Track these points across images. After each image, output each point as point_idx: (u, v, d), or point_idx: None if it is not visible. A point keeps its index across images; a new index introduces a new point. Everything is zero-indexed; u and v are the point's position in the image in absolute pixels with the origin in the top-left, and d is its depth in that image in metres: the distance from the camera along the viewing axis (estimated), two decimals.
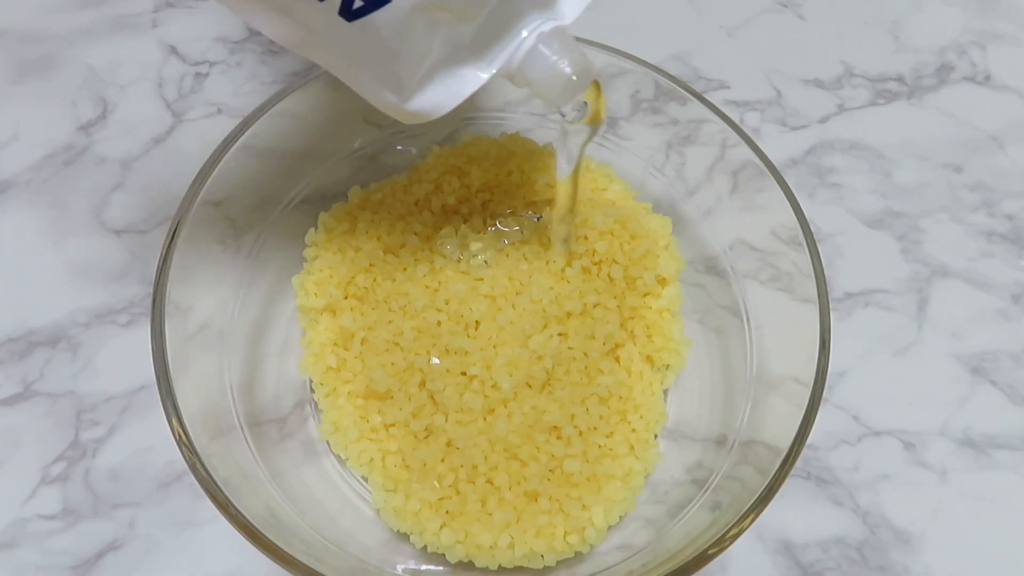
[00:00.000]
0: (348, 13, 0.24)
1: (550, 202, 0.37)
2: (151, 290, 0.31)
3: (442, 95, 0.28)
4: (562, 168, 0.32)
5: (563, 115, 0.30)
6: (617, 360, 0.35)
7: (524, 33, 0.27)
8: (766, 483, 0.28)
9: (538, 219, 0.37)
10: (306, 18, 0.25)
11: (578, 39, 0.35)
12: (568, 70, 0.27)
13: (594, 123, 0.30)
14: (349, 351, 0.34)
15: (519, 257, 0.36)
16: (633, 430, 0.34)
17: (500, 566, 0.32)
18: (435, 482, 0.32)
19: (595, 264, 0.36)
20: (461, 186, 0.37)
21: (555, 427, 0.33)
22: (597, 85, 0.29)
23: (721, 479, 0.32)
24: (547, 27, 0.27)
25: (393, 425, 0.33)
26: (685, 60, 0.47)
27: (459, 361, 0.34)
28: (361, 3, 0.24)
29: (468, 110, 0.40)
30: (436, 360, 0.34)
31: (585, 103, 0.29)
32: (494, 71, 0.28)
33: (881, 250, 0.42)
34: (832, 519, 0.36)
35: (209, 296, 0.33)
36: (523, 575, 0.32)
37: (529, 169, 0.38)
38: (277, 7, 0.25)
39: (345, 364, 0.34)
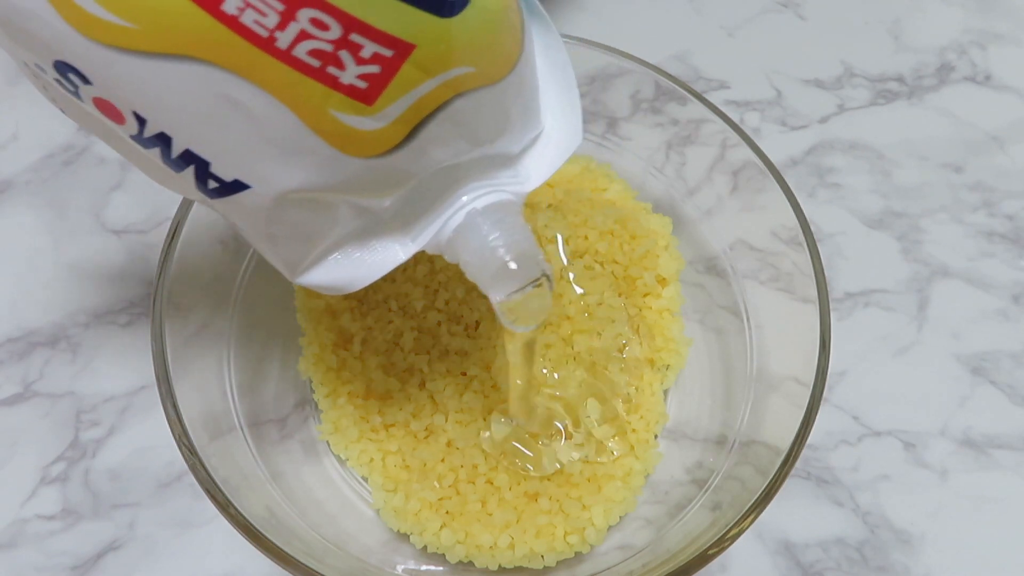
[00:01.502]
0: (207, 191, 0.20)
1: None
2: (151, 290, 0.31)
3: (347, 271, 0.23)
4: (511, 352, 0.27)
5: (496, 304, 0.24)
6: (620, 360, 0.35)
7: (462, 200, 0.22)
8: (766, 483, 0.28)
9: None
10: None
11: (579, 39, 0.35)
12: (502, 253, 0.22)
13: (525, 323, 0.24)
14: (349, 351, 0.34)
15: None
16: (633, 430, 0.34)
17: (500, 566, 0.32)
18: (435, 482, 0.32)
19: (597, 263, 0.36)
20: None
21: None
22: (547, 280, 0.23)
23: (721, 479, 0.32)
24: (486, 200, 0.22)
25: (393, 425, 0.33)
26: (685, 60, 0.47)
27: (459, 361, 0.34)
28: (216, 185, 0.20)
29: None
30: (436, 360, 0.34)
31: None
32: (416, 248, 0.23)
33: (881, 250, 0.42)
34: (832, 519, 0.36)
35: (209, 296, 0.33)
36: (523, 575, 0.32)
37: None
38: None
39: (345, 364, 0.34)
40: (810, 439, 0.29)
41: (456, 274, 0.35)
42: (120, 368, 0.38)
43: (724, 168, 0.35)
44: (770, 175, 0.33)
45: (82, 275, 0.40)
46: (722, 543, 0.27)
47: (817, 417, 0.29)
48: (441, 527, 0.32)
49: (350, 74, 0.18)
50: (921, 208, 0.43)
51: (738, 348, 0.35)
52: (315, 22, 0.17)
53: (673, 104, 0.36)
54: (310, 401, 0.36)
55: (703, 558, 0.27)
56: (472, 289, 0.35)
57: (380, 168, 0.20)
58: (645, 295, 0.36)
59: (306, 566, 0.26)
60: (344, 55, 0.17)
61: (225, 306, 0.34)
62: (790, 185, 0.33)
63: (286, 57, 0.17)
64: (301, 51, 0.17)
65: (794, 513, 0.36)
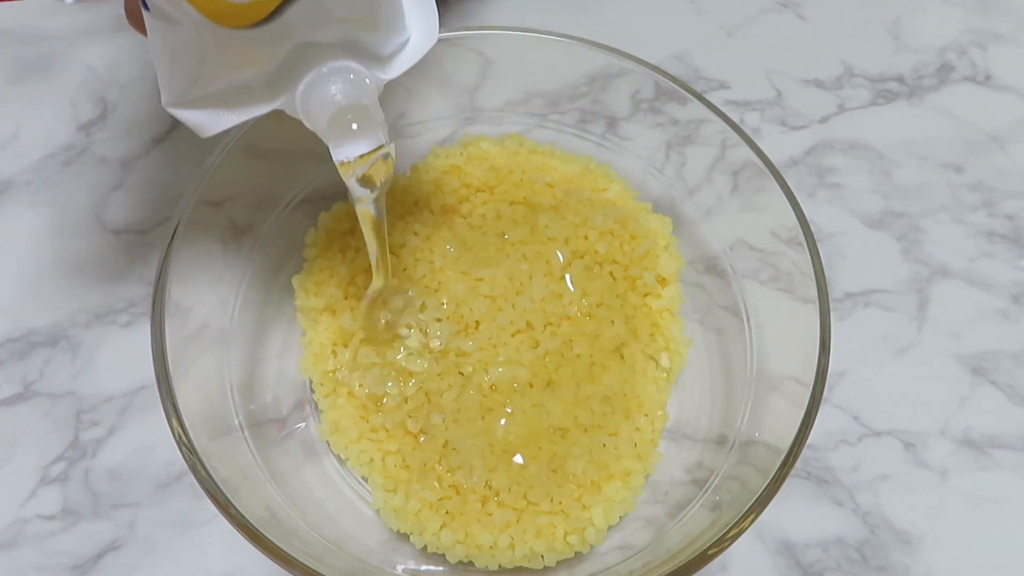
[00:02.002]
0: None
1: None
2: (151, 290, 0.31)
3: (210, 121, 0.26)
4: (362, 214, 0.29)
5: (344, 172, 0.27)
6: (622, 358, 0.35)
7: (321, 67, 0.25)
8: (766, 483, 0.28)
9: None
10: None
11: (579, 39, 0.35)
12: (339, 98, 0.25)
13: (367, 185, 0.27)
14: (349, 351, 0.34)
15: (519, 257, 0.36)
16: (637, 429, 0.34)
17: (500, 566, 0.32)
18: (435, 482, 0.32)
19: (596, 264, 0.36)
20: (461, 185, 0.37)
21: (558, 427, 0.33)
22: (389, 155, 0.26)
23: (721, 479, 0.32)
24: (341, 63, 0.25)
25: (392, 425, 0.33)
26: (685, 60, 0.47)
27: (458, 361, 0.34)
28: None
29: (468, 110, 0.40)
30: (435, 360, 0.34)
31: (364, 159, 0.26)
32: (275, 106, 0.26)
33: (881, 250, 0.42)
34: (832, 519, 0.36)
35: (209, 296, 0.33)
36: (523, 575, 0.32)
37: (529, 168, 0.38)
38: None
39: (345, 364, 0.34)
40: (810, 439, 0.29)
41: (455, 274, 0.35)
42: (120, 368, 0.38)
43: (724, 168, 0.35)
44: (770, 175, 0.33)
45: (82, 275, 0.40)
46: (722, 543, 0.27)
47: (817, 417, 0.29)
48: (441, 527, 0.32)
49: None
50: (921, 208, 0.43)
51: (738, 348, 0.35)
52: None
53: (673, 104, 0.36)
54: (310, 401, 0.36)
55: (703, 558, 0.27)
56: (472, 289, 0.35)
57: (249, 39, 0.23)
58: (645, 295, 0.36)
59: (306, 566, 0.26)
60: None
61: (225, 306, 0.34)
62: (790, 185, 0.33)
63: None
64: None
65: (794, 513, 0.36)
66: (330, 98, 0.25)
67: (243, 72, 0.25)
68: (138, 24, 0.25)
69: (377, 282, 0.32)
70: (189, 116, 0.26)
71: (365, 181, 0.27)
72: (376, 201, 0.29)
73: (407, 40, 0.27)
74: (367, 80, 0.26)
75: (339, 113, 0.25)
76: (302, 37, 0.25)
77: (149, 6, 0.23)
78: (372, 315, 0.34)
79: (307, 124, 0.26)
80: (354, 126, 0.26)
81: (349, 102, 0.25)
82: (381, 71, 0.26)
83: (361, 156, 0.26)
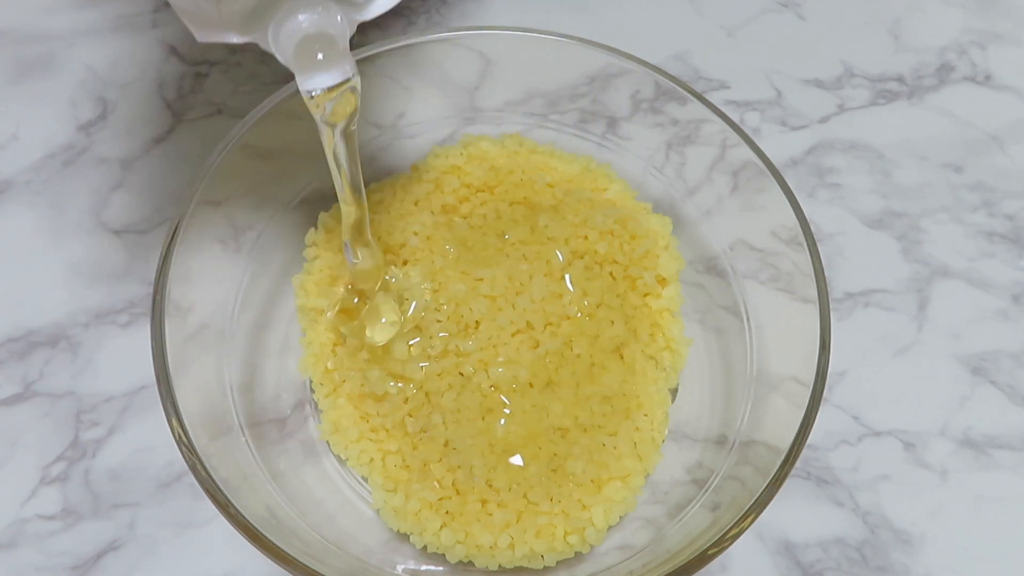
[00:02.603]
0: None
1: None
2: (151, 290, 0.31)
3: (197, 23, 0.26)
4: (329, 154, 0.29)
5: (311, 104, 0.27)
6: (621, 359, 0.35)
7: (296, 3, 0.26)
8: (766, 483, 0.28)
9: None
10: None
11: (579, 39, 0.36)
12: (306, 26, 0.25)
13: (334, 119, 0.27)
14: (348, 351, 0.34)
15: (519, 257, 0.36)
16: (637, 429, 0.34)
17: (500, 566, 0.32)
18: (435, 482, 0.32)
19: (596, 264, 0.36)
20: (461, 185, 0.37)
21: (558, 427, 0.33)
22: (338, 52, 0.26)
23: (721, 479, 0.32)
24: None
25: (392, 425, 0.33)
26: (685, 60, 0.47)
27: (458, 361, 0.34)
28: None
29: (468, 110, 0.40)
30: (435, 360, 0.34)
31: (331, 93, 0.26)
32: (252, 35, 0.27)
33: (881, 250, 0.42)
34: (832, 519, 0.36)
35: (209, 296, 0.33)
36: (523, 575, 0.32)
37: (529, 168, 0.38)
38: None
39: (344, 364, 0.34)
40: (810, 439, 0.29)
41: (455, 274, 0.35)
42: (120, 368, 0.38)
43: (724, 168, 0.35)
44: (770, 175, 0.33)
45: (82, 275, 0.40)
46: (722, 543, 0.27)
47: (817, 417, 0.29)
48: (441, 527, 0.32)
49: None
50: (921, 208, 0.43)
51: (738, 348, 0.35)
52: None
53: (673, 104, 0.36)
54: (310, 401, 0.36)
55: (703, 558, 0.27)
56: (472, 290, 0.35)
57: None
58: (645, 295, 0.36)
59: (306, 566, 0.26)
60: None
61: (225, 306, 0.34)
62: (790, 185, 0.33)
63: None
64: None
65: (794, 513, 0.36)
66: (297, 26, 0.25)
67: (235, 5, 0.26)
68: None
69: (347, 217, 0.31)
70: (185, 17, 0.26)
71: (332, 115, 0.27)
72: (345, 132, 0.28)
73: None
74: (337, 16, 0.26)
75: (305, 41, 0.26)
76: None
77: None
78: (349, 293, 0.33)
79: (278, 56, 0.27)
80: (320, 56, 0.26)
81: (315, 31, 0.25)
82: (356, 12, 0.27)
83: (328, 89, 0.26)
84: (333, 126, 0.28)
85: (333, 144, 0.29)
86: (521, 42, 0.36)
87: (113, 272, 0.40)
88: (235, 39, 0.27)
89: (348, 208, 0.31)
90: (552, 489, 0.32)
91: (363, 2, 0.27)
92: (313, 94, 0.26)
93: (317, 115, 0.27)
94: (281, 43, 0.26)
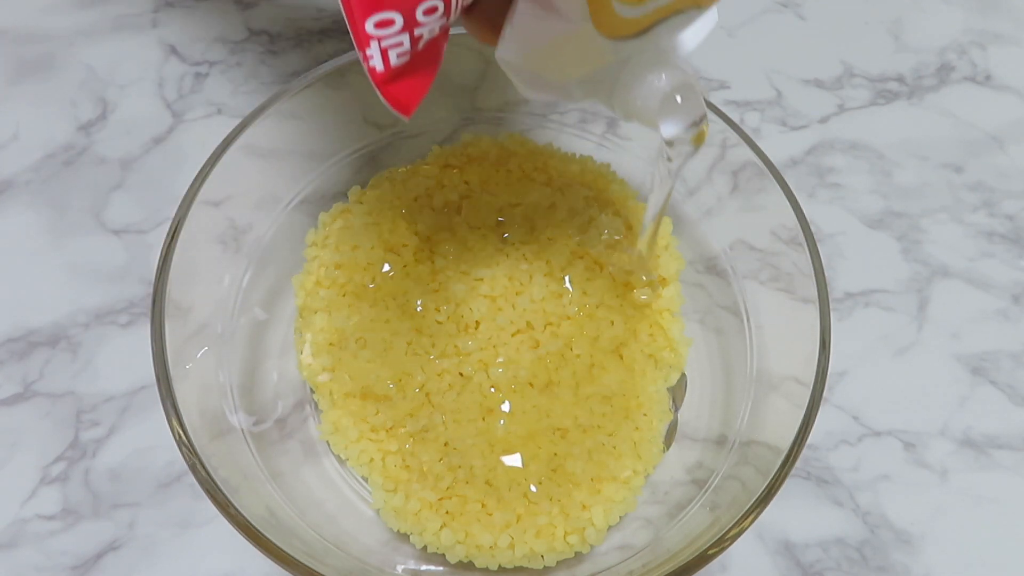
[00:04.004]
0: None
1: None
2: (151, 290, 0.31)
3: (531, 86, 0.27)
4: (659, 182, 0.31)
5: (669, 145, 0.28)
6: (621, 359, 0.35)
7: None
8: (766, 483, 0.28)
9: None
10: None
11: None
12: (663, 84, 0.26)
13: (697, 143, 0.28)
14: (347, 351, 0.34)
15: (519, 257, 0.36)
16: (636, 429, 0.34)
17: (500, 566, 0.32)
18: (435, 482, 0.32)
19: (596, 264, 0.36)
20: (462, 182, 0.37)
21: (558, 428, 0.33)
22: (697, 92, 0.27)
23: (721, 479, 0.32)
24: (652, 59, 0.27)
25: (392, 426, 0.33)
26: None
27: (458, 362, 0.34)
28: None
29: (468, 110, 0.40)
30: (435, 360, 0.34)
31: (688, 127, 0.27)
32: (593, 96, 0.28)
33: (881, 250, 0.42)
34: (832, 519, 0.36)
35: (209, 296, 0.33)
36: (523, 575, 0.32)
37: (529, 169, 0.38)
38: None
39: (344, 364, 0.34)
40: (810, 439, 0.29)
41: (456, 274, 0.35)
42: (120, 368, 0.38)
43: (724, 168, 0.35)
44: (770, 175, 0.33)
45: (82, 275, 0.40)
46: (722, 543, 0.27)
47: (817, 417, 0.29)
48: (441, 527, 0.32)
49: None
50: (921, 208, 0.43)
51: (738, 348, 0.35)
52: None
53: None
54: (310, 401, 0.36)
55: (703, 558, 0.27)
56: (472, 290, 0.35)
57: (614, 48, 0.25)
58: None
59: (306, 566, 0.26)
60: None
61: (225, 306, 0.34)
62: (790, 185, 0.33)
63: None
64: None
65: (794, 513, 0.36)
66: (658, 85, 0.26)
67: (584, 68, 0.26)
68: (484, 31, 0.26)
69: (644, 234, 0.33)
70: (517, 77, 0.27)
71: (688, 147, 0.28)
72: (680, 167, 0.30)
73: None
74: (681, 62, 0.27)
75: (668, 96, 0.26)
76: (647, 51, 0.26)
77: None
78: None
79: (621, 114, 0.28)
80: (678, 99, 0.27)
81: (674, 84, 0.26)
82: (683, 50, 0.27)
83: (688, 127, 0.27)
84: (689, 151, 0.29)
85: (667, 180, 0.30)
86: None
87: (113, 272, 0.40)
88: (570, 100, 0.28)
89: (648, 223, 0.32)
90: (552, 489, 0.32)
91: (682, 40, 0.28)
92: (675, 137, 0.27)
93: (677, 151, 0.28)
94: (641, 103, 0.27)
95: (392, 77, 0.22)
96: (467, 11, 0.25)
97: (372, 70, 0.22)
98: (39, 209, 0.41)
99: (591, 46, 0.24)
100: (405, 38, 0.22)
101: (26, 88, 0.45)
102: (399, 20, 0.21)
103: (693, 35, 0.27)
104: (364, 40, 0.21)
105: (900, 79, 0.47)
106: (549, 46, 0.25)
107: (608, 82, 0.27)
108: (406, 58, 0.22)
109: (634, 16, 0.24)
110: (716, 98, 0.46)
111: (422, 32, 0.22)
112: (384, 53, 0.22)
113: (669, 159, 0.29)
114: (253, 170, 0.34)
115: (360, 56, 0.22)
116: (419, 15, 0.22)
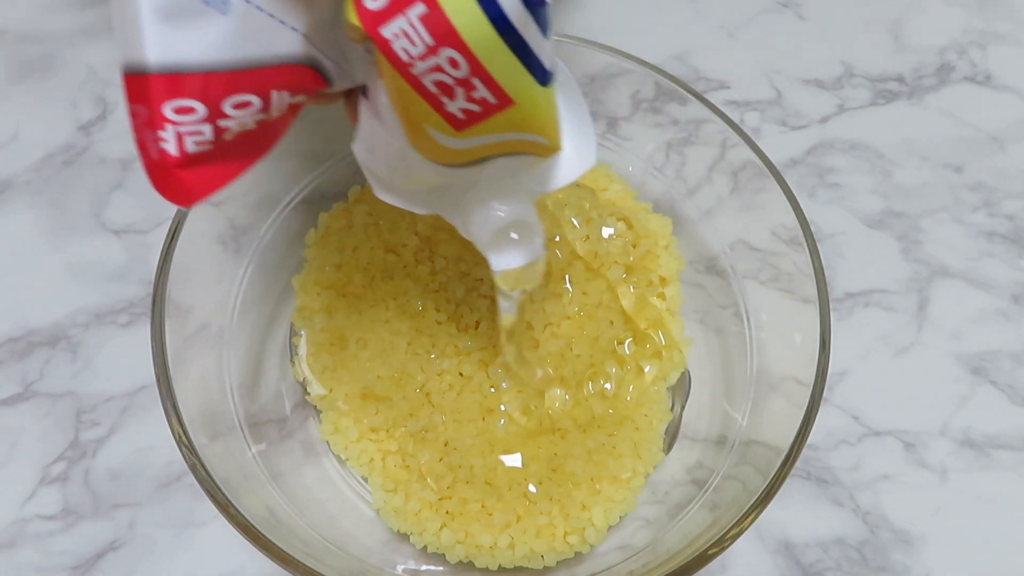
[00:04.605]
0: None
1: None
2: (151, 290, 0.31)
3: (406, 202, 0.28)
4: (504, 307, 0.31)
5: (500, 280, 0.29)
6: (620, 359, 0.35)
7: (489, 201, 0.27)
8: (766, 483, 0.28)
9: None
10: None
11: (579, 39, 0.35)
12: (503, 215, 0.26)
13: (516, 289, 0.29)
14: (347, 351, 0.34)
15: None
16: (636, 429, 0.34)
17: (500, 566, 0.32)
18: (435, 482, 0.32)
19: (595, 265, 0.36)
20: None
21: (558, 428, 0.33)
22: (534, 234, 0.28)
23: (721, 479, 0.32)
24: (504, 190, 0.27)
25: (392, 426, 0.33)
26: (685, 60, 0.47)
27: (458, 362, 0.34)
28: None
29: None
30: (435, 360, 0.34)
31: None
32: (438, 210, 0.28)
33: (881, 250, 0.42)
34: (832, 519, 0.36)
35: (209, 296, 0.33)
36: (523, 575, 0.32)
37: None
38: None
39: (343, 364, 0.34)
40: (810, 439, 0.29)
41: (455, 274, 0.35)
42: (120, 368, 0.38)
43: (724, 168, 0.35)
44: (770, 175, 0.33)
45: (82, 275, 0.40)
46: (722, 543, 0.27)
47: (817, 417, 0.29)
48: (441, 527, 0.32)
49: (455, 105, 0.22)
50: (921, 208, 0.43)
51: (738, 348, 0.35)
52: (452, 61, 0.20)
53: (673, 104, 0.36)
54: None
55: (703, 558, 0.27)
56: (472, 290, 0.35)
57: (442, 171, 0.25)
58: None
59: (306, 566, 0.26)
60: (459, 90, 0.21)
61: (225, 306, 0.34)
62: (790, 185, 0.33)
63: (414, 80, 0.21)
64: (428, 79, 0.21)
65: (794, 513, 0.36)
66: (493, 215, 0.27)
67: (420, 184, 0.26)
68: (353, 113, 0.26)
69: (505, 344, 0.33)
70: (369, 176, 0.27)
71: (516, 286, 0.29)
72: (519, 299, 0.30)
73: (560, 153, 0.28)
74: (530, 202, 0.27)
75: (503, 229, 0.27)
76: (488, 179, 0.26)
77: (368, 100, 0.24)
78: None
79: (466, 235, 0.28)
80: (514, 236, 0.27)
81: (513, 219, 0.27)
82: (537, 185, 0.27)
83: (518, 267, 0.28)
84: (517, 294, 0.29)
85: (509, 309, 0.31)
86: None
87: (113, 272, 0.40)
88: (418, 211, 0.27)
89: (505, 339, 0.32)
90: (552, 489, 0.32)
91: (545, 179, 0.27)
92: (502, 272, 0.28)
93: (503, 287, 0.29)
94: (475, 228, 0.27)
95: (187, 163, 0.21)
96: (347, 95, 0.25)
97: (163, 152, 0.21)
98: (39, 209, 0.41)
99: (422, 164, 0.24)
100: (207, 128, 0.21)
101: (26, 88, 0.45)
102: (201, 110, 0.20)
103: (565, 173, 0.27)
104: (159, 122, 0.20)
105: (900, 79, 0.47)
106: (387, 154, 0.25)
107: (455, 201, 0.27)
108: (207, 147, 0.21)
109: (456, 147, 0.23)
110: (716, 98, 0.46)
111: (229, 124, 0.21)
112: (180, 138, 0.21)
113: (504, 293, 0.29)
114: (253, 170, 0.34)
115: (149, 138, 0.21)
116: (226, 107, 0.21)
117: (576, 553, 0.32)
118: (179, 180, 0.21)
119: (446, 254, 0.35)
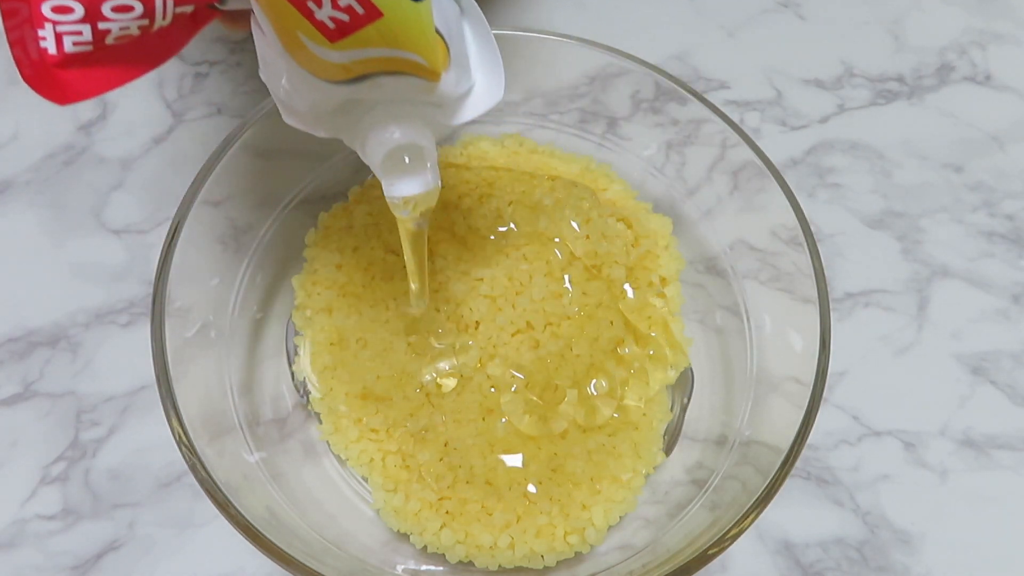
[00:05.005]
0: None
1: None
2: (151, 290, 0.31)
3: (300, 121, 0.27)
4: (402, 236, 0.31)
5: (392, 204, 0.28)
6: (621, 358, 0.35)
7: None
8: (766, 483, 0.28)
9: None
10: None
11: (579, 39, 0.36)
12: (397, 137, 0.26)
13: (409, 216, 0.29)
14: (348, 351, 0.34)
15: (519, 257, 0.36)
16: (636, 428, 0.34)
17: (500, 566, 0.32)
18: (435, 482, 0.32)
19: (596, 264, 0.36)
20: (462, 182, 0.37)
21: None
22: (426, 162, 0.27)
23: (721, 479, 0.32)
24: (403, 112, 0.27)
25: (392, 426, 0.33)
26: (685, 60, 0.47)
27: (458, 362, 0.34)
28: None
29: None
30: (434, 361, 0.34)
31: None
32: (335, 133, 0.28)
33: (881, 250, 0.42)
34: (832, 519, 0.36)
35: (209, 296, 0.33)
36: (523, 575, 0.32)
37: (529, 169, 0.38)
38: None
39: (344, 364, 0.34)
40: (810, 439, 0.29)
41: (456, 274, 0.35)
42: (120, 368, 0.38)
43: (724, 168, 0.35)
44: (770, 175, 0.33)
45: (82, 275, 0.40)
46: (722, 543, 0.27)
47: (817, 417, 0.29)
48: (441, 527, 0.32)
49: (324, 13, 0.21)
50: (921, 208, 0.43)
51: (738, 348, 0.35)
52: None
53: (673, 104, 0.36)
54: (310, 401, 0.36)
55: (703, 558, 0.27)
56: (472, 290, 0.35)
57: (330, 89, 0.25)
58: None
59: (306, 566, 0.26)
60: None
61: (225, 306, 0.34)
62: (790, 185, 0.33)
63: None
64: None
65: (794, 513, 0.36)
66: (389, 136, 0.26)
67: (316, 104, 0.26)
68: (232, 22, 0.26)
69: (416, 295, 0.33)
70: (275, 100, 0.27)
71: (411, 213, 0.29)
72: (417, 224, 0.30)
73: (471, 88, 0.27)
74: (428, 128, 0.27)
75: (396, 151, 0.27)
76: (379, 100, 0.26)
77: (254, 15, 0.24)
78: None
79: (364, 159, 0.28)
80: (407, 161, 0.27)
81: (407, 142, 0.26)
82: (445, 118, 0.27)
83: (415, 190, 0.28)
84: (409, 214, 0.29)
85: (408, 232, 0.30)
86: (521, 42, 0.36)
87: (113, 272, 0.40)
88: (321, 134, 0.27)
89: (413, 279, 0.32)
90: (552, 489, 0.32)
91: (452, 109, 0.27)
92: (397, 200, 0.28)
93: (397, 212, 0.29)
94: (370, 150, 0.27)
95: (66, 62, 0.22)
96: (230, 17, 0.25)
97: (42, 51, 0.21)
98: (39, 209, 0.41)
99: (308, 82, 0.24)
100: (86, 29, 0.21)
101: (26, 88, 0.45)
102: (79, 9, 0.21)
103: (473, 106, 0.27)
104: (39, 20, 0.21)
105: (900, 79, 0.47)
106: (277, 71, 0.25)
107: (354, 125, 0.27)
108: (86, 48, 0.22)
109: (334, 60, 0.23)
110: (716, 98, 0.46)
111: (109, 27, 0.21)
112: (59, 38, 0.21)
113: (401, 220, 0.29)
114: (253, 170, 0.34)
115: (28, 36, 0.21)
116: (105, 9, 0.21)
117: (576, 553, 0.32)
118: (57, 79, 0.22)
119: (446, 254, 0.36)
